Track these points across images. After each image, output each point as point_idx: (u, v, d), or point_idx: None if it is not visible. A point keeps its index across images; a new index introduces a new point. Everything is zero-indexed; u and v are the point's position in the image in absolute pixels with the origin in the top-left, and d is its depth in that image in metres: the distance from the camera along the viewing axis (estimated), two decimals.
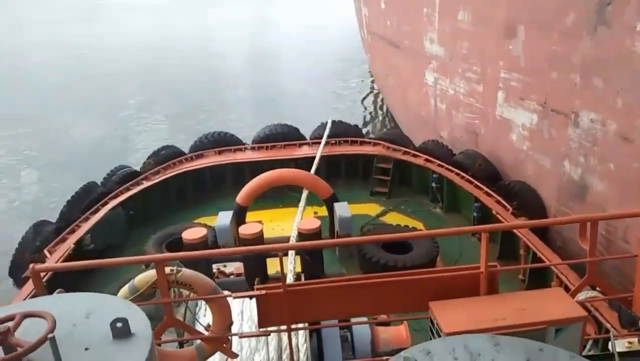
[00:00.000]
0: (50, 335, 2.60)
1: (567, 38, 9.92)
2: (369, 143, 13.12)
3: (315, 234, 7.48)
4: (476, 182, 10.82)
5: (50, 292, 4.51)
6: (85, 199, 11.18)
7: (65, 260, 8.84)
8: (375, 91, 28.35)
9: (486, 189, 10.47)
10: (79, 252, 9.49)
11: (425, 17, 15.25)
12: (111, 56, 38.71)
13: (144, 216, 11.51)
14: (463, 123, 14.14)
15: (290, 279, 6.39)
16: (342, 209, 9.33)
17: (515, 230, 9.02)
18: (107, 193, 11.40)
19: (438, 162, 11.82)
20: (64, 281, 5.65)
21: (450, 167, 11.54)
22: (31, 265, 4.57)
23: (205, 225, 9.78)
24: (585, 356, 4.34)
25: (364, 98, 28.98)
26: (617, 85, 8.84)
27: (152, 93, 30.45)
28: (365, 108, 28.07)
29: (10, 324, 2.74)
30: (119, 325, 2.83)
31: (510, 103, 11.84)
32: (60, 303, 3.15)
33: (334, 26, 42.04)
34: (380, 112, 26.70)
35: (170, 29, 47.53)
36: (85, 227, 10.11)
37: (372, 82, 28.96)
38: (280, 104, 26.85)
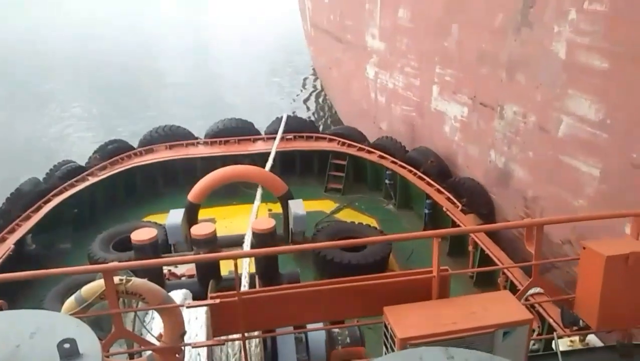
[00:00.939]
0: None
1: (495, 37, 10.25)
2: (324, 139, 12.83)
3: (270, 234, 7.25)
4: (428, 179, 10.74)
5: None
6: (26, 196, 10.27)
7: (4, 262, 8.27)
8: (317, 84, 28.48)
9: (437, 186, 10.44)
10: (19, 253, 8.84)
11: (367, 13, 15.29)
12: (44, 45, 36.06)
13: (90, 214, 10.78)
14: (401, 116, 14.32)
15: (244, 281, 6.15)
16: (297, 207, 9.07)
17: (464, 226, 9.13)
18: (50, 189, 10.53)
19: (392, 158, 11.65)
20: (3, 286, 5.31)
21: (403, 164, 11.39)
22: None
23: (155, 224, 9.30)
24: (530, 355, 4.46)
25: (308, 92, 28.41)
26: (536, 81, 9.24)
27: (93, 86, 28.48)
28: (308, 100, 27.63)
29: None
30: (66, 345, 2.61)
31: (444, 97, 12.15)
32: (2, 321, 2.95)
33: (277, 18, 40.78)
34: (324, 105, 26.54)
35: (105, 20, 44.69)
36: (27, 226, 9.43)
37: (315, 75, 29.41)
38: (225, 99, 25.92)
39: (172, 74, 31.16)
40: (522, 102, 9.76)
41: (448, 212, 9.60)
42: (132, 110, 24.65)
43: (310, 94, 28.08)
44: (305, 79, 30.06)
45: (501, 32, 10.04)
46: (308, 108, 26.04)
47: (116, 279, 4.24)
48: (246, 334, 4.61)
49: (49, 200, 10.21)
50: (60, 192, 10.54)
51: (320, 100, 26.59)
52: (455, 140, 11.96)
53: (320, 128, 16.34)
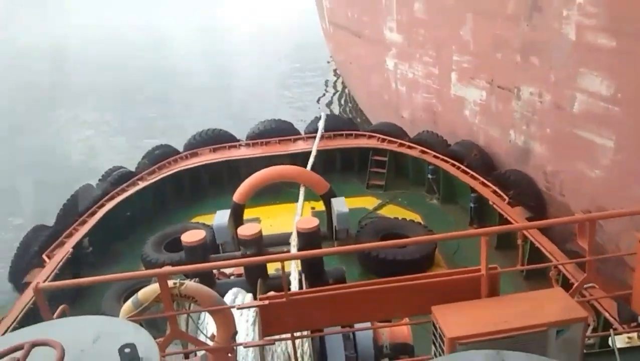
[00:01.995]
0: None
1: (508, 23, 10.20)
2: (364, 136, 12.40)
3: (314, 233, 7.15)
4: (472, 172, 10.14)
5: (52, 304, 4.34)
6: (81, 202, 10.45)
7: (64, 265, 8.44)
8: (338, 83, 28.13)
9: (482, 179, 9.86)
10: (77, 255, 8.97)
11: (384, 8, 15.25)
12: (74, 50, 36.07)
13: (141, 217, 10.81)
14: (422, 104, 14.24)
15: (294, 283, 6.15)
16: (340, 204, 8.87)
17: (511, 219, 8.61)
18: (104, 195, 10.63)
19: (433, 153, 11.10)
20: (65, 290, 5.23)
21: (445, 158, 10.82)
22: (34, 283, 4.36)
23: (203, 225, 9.29)
24: (586, 352, 4.12)
25: (331, 91, 28.20)
26: (549, 63, 9.24)
27: (128, 92, 28.63)
28: (326, 93, 27.80)
29: (19, 354, 2.63)
30: (127, 350, 2.73)
31: (463, 82, 12.05)
32: (67, 328, 3.08)
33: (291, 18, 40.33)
34: (343, 98, 26.71)
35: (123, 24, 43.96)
36: (83, 230, 9.56)
37: (335, 70, 29.13)
38: (249, 102, 25.58)
39: (195, 77, 30.82)
40: (537, 83, 9.68)
41: (495, 205, 9.10)
42: (170, 116, 24.83)
43: (333, 93, 27.80)
44: (326, 80, 29.83)
45: (513, 18, 9.92)
46: (333, 105, 25.92)
47: (170, 283, 4.30)
48: (295, 334, 4.56)
49: (102, 205, 10.34)
50: (113, 197, 10.64)
51: (342, 100, 26.37)
52: (475, 122, 12.22)
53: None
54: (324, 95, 27.59)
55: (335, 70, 28.34)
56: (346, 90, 26.14)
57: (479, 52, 11.43)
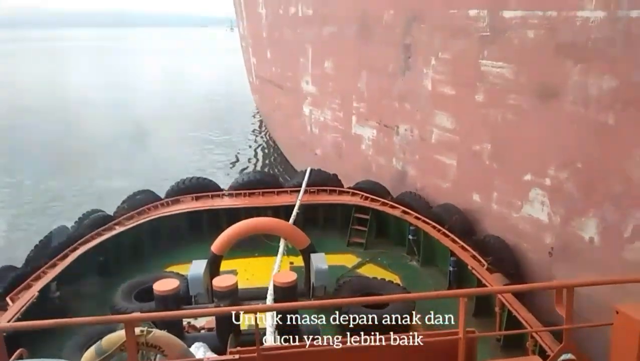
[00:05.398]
0: None
1: (389, 78, 13.90)
2: (348, 193, 12.56)
3: (291, 287, 7.05)
4: (452, 236, 10.13)
5: (10, 348, 4.19)
6: (54, 244, 10.09)
7: (27, 309, 8.00)
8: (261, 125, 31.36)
9: (462, 243, 9.81)
10: (43, 300, 8.55)
11: (302, 65, 19.24)
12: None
13: (115, 263, 10.52)
14: (331, 141, 17.86)
15: (268, 338, 6.06)
16: (319, 260, 8.67)
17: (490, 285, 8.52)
18: (77, 238, 10.29)
19: (415, 214, 11.17)
20: (24, 333, 5.29)
21: (427, 220, 10.87)
22: None
23: (177, 274, 9.07)
24: None
25: (259, 141, 30.97)
26: (416, 106, 12.91)
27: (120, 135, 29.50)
28: (255, 142, 30.98)
29: None
30: None
31: (360, 123, 15.78)
32: None
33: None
34: (268, 144, 29.73)
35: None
36: (52, 273, 9.14)
37: (259, 117, 32.36)
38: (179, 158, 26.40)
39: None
40: (409, 121, 13.44)
41: (473, 271, 9.00)
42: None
43: (261, 144, 30.85)
44: (252, 130, 32.93)
45: (393, 74, 13.84)
46: (257, 156, 28.38)
47: (137, 330, 4.18)
48: None
49: (75, 249, 9.97)
50: (87, 241, 10.29)
51: (266, 149, 29.31)
52: (370, 154, 15.69)
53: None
54: (250, 146, 30.70)
55: (259, 117, 31.32)
56: (268, 136, 29.15)
57: (371, 100, 15.32)
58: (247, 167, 26.19)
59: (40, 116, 36.31)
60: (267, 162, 27.03)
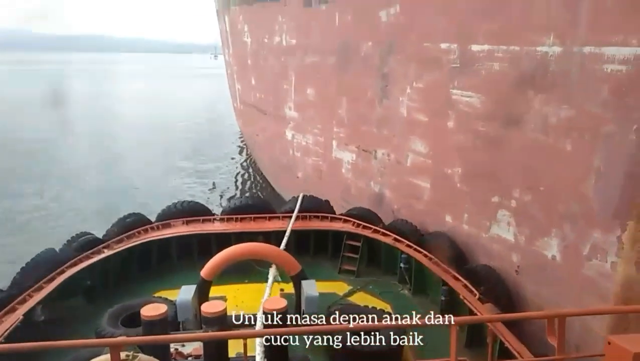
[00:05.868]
0: None
1: (368, 105, 14.68)
2: (339, 219, 12.55)
3: (282, 314, 6.95)
4: (444, 265, 10.16)
5: None
6: (40, 267, 9.87)
7: (11, 333, 7.82)
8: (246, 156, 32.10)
9: (453, 273, 9.83)
10: (28, 323, 8.36)
11: (285, 92, 20.01)
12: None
13: (102, 287, 10.35)
14: (312, 165, 18.48)
15: None
16: (310, 287, 8.65)
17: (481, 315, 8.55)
18: (65, 261, 10.10)
19: (407, 242, 11.16)
20: (7, 357, 5.38)
21: (418, 248, 10.88)
22: None
23: (166, 299, 8.87)
24: None
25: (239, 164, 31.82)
26: (393, 132, 13.66)
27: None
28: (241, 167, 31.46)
29: None
30: None
31: (340, 147, 16.45)
32: None
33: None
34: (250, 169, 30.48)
35: None
36: (38, 296, 8.93)
37: (243, 141, 33.27)
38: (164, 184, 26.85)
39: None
40: (386, 146, 14.16)
41: (465, 300, 8.97)
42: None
43: (244, 167, 31.59)
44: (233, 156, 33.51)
45: (371, 101, 14.63)
46: (239, 180, 28.89)
47: (122, 354, 4.14)
48: None
49: (62, 272, 9.78)
50: (75, 264, 10.11)
51: (249, 170, 30.06)
52: (349, 177, 16.28)
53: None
54: (232, 171, 31.18)
55: (244, 146, 32.10)
56: (251, 160, 29.59)
57: (351, 125, 16.06)
58: (228, 188, 26.69)
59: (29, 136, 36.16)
60: (248, 184, 27.51)
